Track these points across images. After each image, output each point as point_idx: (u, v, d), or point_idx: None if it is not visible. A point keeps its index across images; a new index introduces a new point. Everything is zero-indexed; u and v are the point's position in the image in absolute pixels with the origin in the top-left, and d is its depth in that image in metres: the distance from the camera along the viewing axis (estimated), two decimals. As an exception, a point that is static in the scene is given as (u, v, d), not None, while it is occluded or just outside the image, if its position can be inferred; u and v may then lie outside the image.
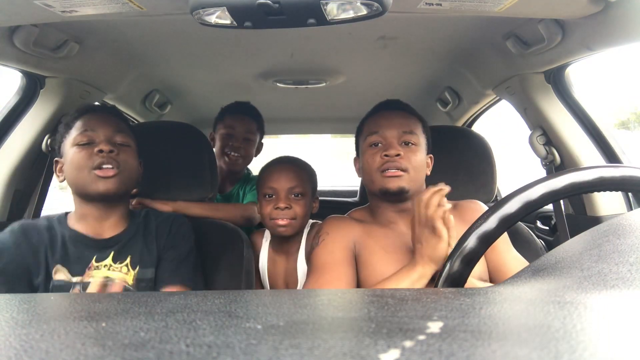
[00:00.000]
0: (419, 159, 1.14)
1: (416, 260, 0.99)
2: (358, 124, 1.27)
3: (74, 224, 1.17)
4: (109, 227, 1.16)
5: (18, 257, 1.08)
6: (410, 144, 1.14)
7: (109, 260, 1.12)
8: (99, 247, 1.13)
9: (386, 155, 1.10)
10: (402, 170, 1.10)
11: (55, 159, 1.19)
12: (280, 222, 1.33)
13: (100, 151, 1.11)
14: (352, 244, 1.13)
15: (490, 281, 1.14)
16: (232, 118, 1.83)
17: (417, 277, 0.98)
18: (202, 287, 1.19)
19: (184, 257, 1.18)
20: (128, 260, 1.13)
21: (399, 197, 1.13)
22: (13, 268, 1.07)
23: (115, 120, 1.19)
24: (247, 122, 1.82)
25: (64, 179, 1.16)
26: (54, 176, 1.59)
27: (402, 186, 1.10)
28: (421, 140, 1.17)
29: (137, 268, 1.13)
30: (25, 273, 1.08)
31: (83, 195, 1.14)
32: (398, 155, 1.10)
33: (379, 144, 1.14)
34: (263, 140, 1.97)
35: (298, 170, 1.37)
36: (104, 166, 1.10)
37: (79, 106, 1.34)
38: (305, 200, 1.36)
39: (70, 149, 1.13)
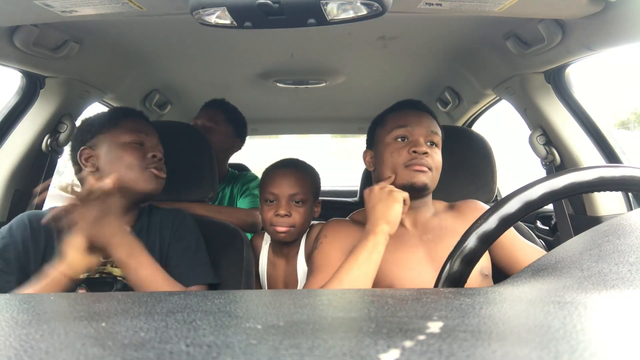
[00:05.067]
0: (440, 161, 1.16)
1: (368, 229, 1.04)
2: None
3: None
4: None
5: (26, 249, 1.08)
6: (434, 145, 1.15)
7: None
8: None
9: (414, 152, 1.11)
10: (428, 168, 1.12)
11: (83, 147, 1.16)
12: (280, 228, 1.32)
13: (154, 156, 1.16)
14: (350, 248, 1.13)
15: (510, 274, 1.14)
16: (201, 114, 1.85)
17: (372, 246, 1.01)
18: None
19: (193, 251, 1.18)
20: None
21: (420, 193, 1.14)
22: (24, 260, 1.07)
23: (157, 131, 1.24)
24: (210, 113, 1.83)
25: (96, 170, 1.14)
26: (55, 175, 1.59)
27: (426, 182, 1.11)
28: (441, 143, 1.19)
29: None
30: (31, 263, 1.08)
31: (120, 192, 1.12)
32: (425, 153, 1.11)
33: (405, 139, 1.14)
34: (261, 140, 1.96)
35: (301, 176, 1.35)
36: (155, 170, 1.16)
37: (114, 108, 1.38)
38: (306, 206, 1.34)
39: (116, 145, 1.14)
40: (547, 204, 0.59)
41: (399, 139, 1.14)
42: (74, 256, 0.94)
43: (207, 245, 1.28)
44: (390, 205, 1.04)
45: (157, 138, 1.23)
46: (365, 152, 1.27)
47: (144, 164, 1.14)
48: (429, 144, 1.14)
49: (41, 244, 1.09)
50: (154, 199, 1.24)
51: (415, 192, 1.13)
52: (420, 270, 1.10)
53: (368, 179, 1.59)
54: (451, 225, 1.17)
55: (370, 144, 1.26)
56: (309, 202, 1.35)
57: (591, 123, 1.49)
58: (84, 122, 1.24)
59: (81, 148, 1.16)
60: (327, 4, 0.82)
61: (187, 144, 1.42)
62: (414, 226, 1.17)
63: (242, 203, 1.75)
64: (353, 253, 1.03)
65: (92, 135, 1.17)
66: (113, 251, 0.98)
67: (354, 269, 1.00)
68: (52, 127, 1.50)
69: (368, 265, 1.00)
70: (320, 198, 1.44)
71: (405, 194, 1.07)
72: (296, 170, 1.36)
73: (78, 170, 1.18)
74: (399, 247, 1.11)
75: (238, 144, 1.92)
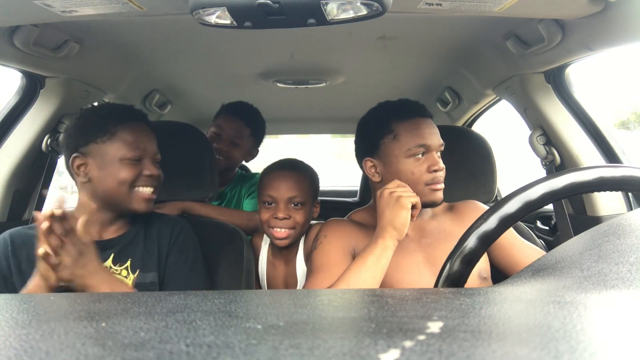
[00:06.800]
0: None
1: (377, 234, 1.05)
2: (360, 122, 1.24)
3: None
4: (112, 231, 1.15)
5: (8, 266, 1.05)
6: (441, 154, 1.15)
7: (108, 262, 1.10)
8: (98, 249, 1.09)
9: (435, 170, 1.10)
10: (443, 182, 1.12)
11: (75, 154, 1.09)
12: (278, 234, 1.30)
13: (151, 176, 1.11)
14: (350, 248, 1.13)
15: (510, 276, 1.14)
16: (225, 118, 1.76)
17: (380, 250, 1.02)
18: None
19: (191, 264, 1.16)
20: (128, 263, 1.12)
21: (436, 206, 1.15)
22: (8, 275, 1.05)
23: (155, 136, 1.17)
24: (238, 125, 1.74)
25: (88, 181, 1.09)
26: (55, 176, 1.59)
27: (442, 197, 1.12)
28: None
29: (137, 272, 1.12)
30: (14, 278, 1.05)
31: (111, 206, 1.11)
32: (443, 169, 1.12)
33: (421, 155, 1.11)
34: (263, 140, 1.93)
35: (299, 178, 1.33)
36: (148, 189, 1.11)
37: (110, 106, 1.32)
38: (305, 209, 1.33)
39: (111, 159, 1.08)
40: (547, 204, 0.59)
41: (418, 155, 1.11)
42: (45, 269, 0.90)
43: (206, 245, 1.28)
44: (397, 212, 1.03)
45: (156, 143, 1.16)
46: (365, 161, 1.18)
47: (138, 183, 1.10)
48: (438, 154, 1.14)
49: (22, 260, 1.06)
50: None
51: (434, 207, 1.14)
52: (418, 274, 1.10)
53: (368, 180, 1.59)
54: (449, 229, 1.17)
55: (372, 152, 1.17)
56: (308, 204, 1.34)
57: (591, 123, 1.49)
58: (76, 124, 1.13)
59: (73, 155, 1.09)
60: (327, 4, 0.82)
61: (187, 144, 1.42)
62: (412, 230, 1.16)
63: (248, 205, 1.73)
64: (361, 256, 1.03)
65: (85, 142, 1.09)
66: (95, 289, 0.94)
67: (362, 271, 1.00)
68: (52, 127, 1.50)
69: (376, 269, 1.01)
70: (319, 198, 1.44)
71: (416, 199, 1.05)
72: (295, 172, 1.34)
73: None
74: (398, 252, 1.10)
75: (255, 152, 1.88)
